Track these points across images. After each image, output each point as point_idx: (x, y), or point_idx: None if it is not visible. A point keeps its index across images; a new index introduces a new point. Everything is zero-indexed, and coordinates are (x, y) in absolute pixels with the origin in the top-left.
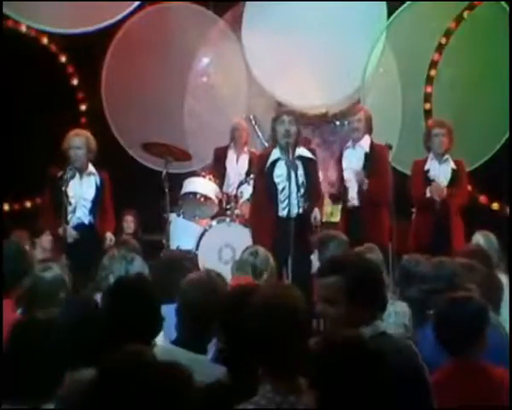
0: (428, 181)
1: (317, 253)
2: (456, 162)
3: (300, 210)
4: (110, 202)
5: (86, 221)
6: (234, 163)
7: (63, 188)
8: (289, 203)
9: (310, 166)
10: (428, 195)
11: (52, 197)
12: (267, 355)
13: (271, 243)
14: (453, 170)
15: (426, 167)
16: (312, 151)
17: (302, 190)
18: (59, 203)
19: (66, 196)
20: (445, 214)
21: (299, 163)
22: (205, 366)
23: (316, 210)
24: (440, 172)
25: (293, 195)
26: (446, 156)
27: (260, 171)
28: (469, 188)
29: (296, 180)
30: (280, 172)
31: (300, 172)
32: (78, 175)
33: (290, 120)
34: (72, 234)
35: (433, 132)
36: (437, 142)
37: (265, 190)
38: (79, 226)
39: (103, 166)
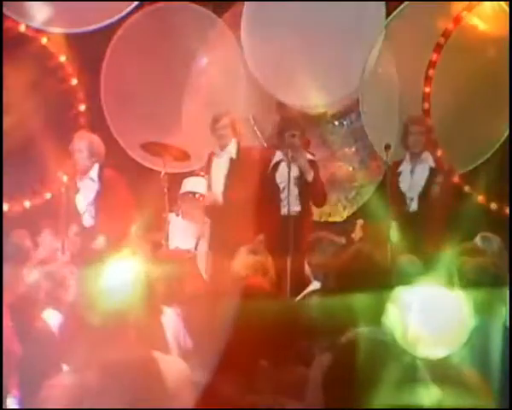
0: (397, 186)
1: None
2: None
3: (298, 208)
4: (117, 204)
5: (89, 225)
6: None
7: (62, 189)
8: (289, 202)
9: (311, 167)
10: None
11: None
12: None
13: (273, 241)
14: (431, 169)
15: (399, 169)
16: (311, 153)
17: (302, 190)
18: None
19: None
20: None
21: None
22: None
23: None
24: (414, 174)
25: (293, 194)
26: (425, 155)
27: (263, 172)
28: (456, 179)
29: (295, 181)
30: (282, 172)
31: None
32: (79, 179)
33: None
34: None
35: (410, 130)
36: (412, 140)
37: (267, 190)
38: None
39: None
